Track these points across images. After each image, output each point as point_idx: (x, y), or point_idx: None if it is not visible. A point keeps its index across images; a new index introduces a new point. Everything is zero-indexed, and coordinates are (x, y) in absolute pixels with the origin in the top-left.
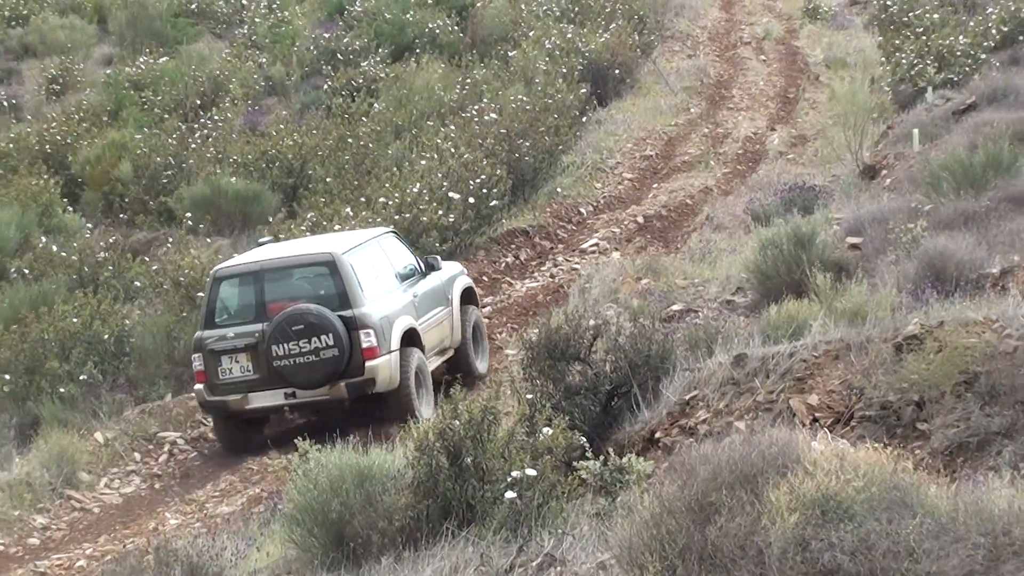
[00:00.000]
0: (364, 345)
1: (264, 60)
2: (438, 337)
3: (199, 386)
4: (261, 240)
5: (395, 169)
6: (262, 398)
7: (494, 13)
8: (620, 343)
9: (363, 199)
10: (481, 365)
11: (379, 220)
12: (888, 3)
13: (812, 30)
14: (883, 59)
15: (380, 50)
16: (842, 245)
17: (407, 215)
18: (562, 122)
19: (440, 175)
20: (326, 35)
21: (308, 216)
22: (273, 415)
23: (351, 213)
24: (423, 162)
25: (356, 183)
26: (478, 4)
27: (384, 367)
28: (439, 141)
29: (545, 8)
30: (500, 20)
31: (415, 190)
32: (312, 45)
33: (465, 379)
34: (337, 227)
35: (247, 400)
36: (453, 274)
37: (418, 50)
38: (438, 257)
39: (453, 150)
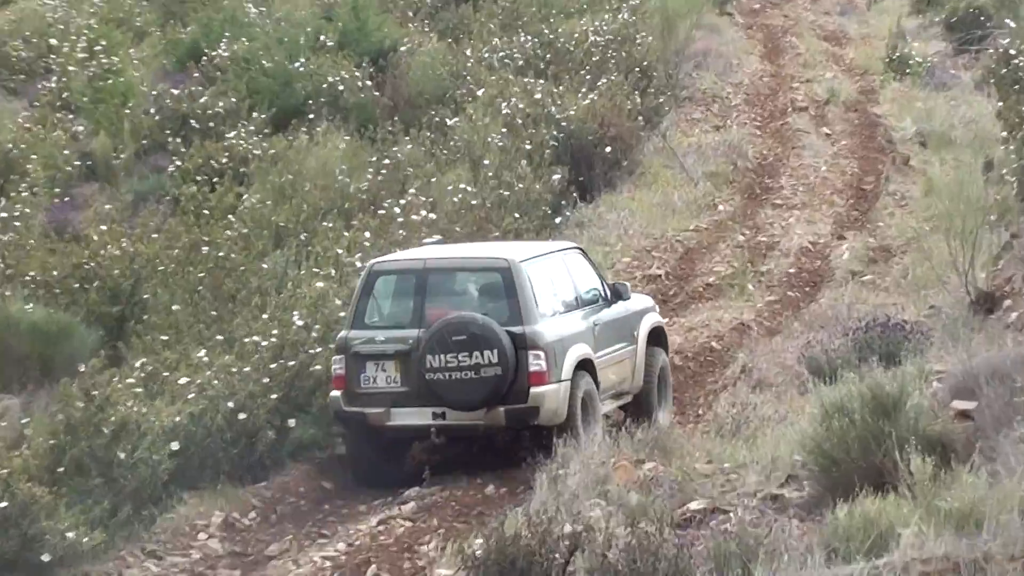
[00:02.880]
0: (532, 368)
1: (81, 128)
2: (617, 377)
3: (335, 393)
4: (426, 240)
5: (273, 292)
6: (406, 415)
7: (426, 63)
8: (611, 560)
9: (222, 337)
10: (664, 417)
11: (244, 368)
12: (1011, 52)
13: (899, 91)
14: (1004, 134)
15: (255, 115)
16: (946, 412)
17: (291, 362)
18: (525, 224)
19: (341, 301)
20: (174, 91)
21: (139, 363)
22: (417, 440)
23: (206, 358)
24: (316, 283)
25: (215, 313)
26: (402, 49)
27: (552, 396)
28: (340, 251)
29: (502, 55)
30: (435, 73)
31: (301, 324)
32: (153, 106)
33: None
34: (184, 379)
35: (389, 415)
36: (642, 307)
37: (312, 115)
38: (628, 285)
39: (361, 264)
